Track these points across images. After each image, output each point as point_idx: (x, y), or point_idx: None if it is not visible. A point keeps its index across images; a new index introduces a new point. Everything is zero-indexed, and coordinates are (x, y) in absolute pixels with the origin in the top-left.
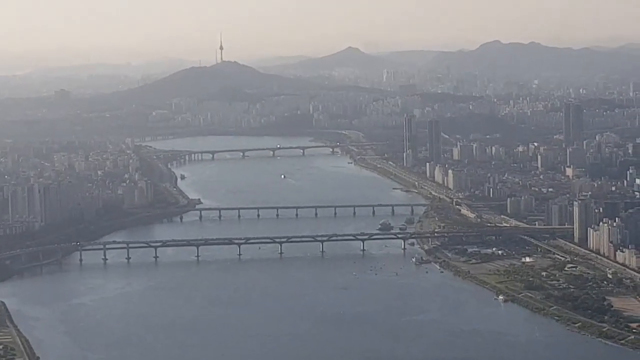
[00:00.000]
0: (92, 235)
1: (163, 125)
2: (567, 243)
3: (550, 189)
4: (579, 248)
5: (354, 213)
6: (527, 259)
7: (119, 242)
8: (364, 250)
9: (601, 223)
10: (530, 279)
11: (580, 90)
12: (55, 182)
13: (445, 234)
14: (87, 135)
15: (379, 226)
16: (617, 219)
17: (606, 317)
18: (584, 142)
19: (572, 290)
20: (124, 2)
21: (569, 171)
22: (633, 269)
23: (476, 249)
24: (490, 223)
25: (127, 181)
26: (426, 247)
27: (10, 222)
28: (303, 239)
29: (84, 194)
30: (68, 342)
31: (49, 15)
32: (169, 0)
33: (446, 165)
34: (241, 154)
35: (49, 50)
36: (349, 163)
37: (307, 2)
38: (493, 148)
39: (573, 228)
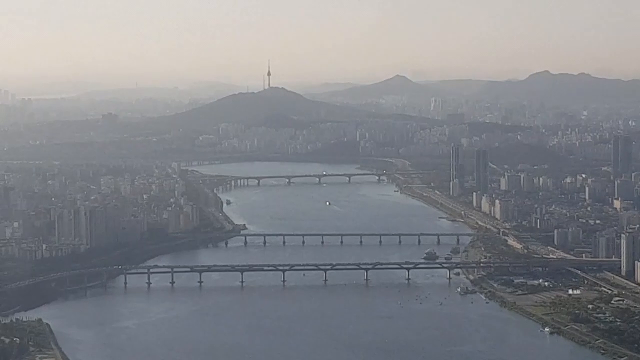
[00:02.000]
0: (137, 258)
1: (209, 150)
2: (614, 276)
3: (597, 221)
4: (626, 281)
5: (399, 241)
6: (574, 291)
7: (163, 266)
8: (409, 279)
9: None
10: (577, 311)
11: (630, 122)
12: (101, 205)
13: (491, 265)
14: (134, 158)
15: (425, 255)
16: None
17: None
18: (633, 174)
19: (618, 323)
20: (172, 27)
21: (617, 203)
22: None
23: (522, 280)
24: (537, 254)
25: (173, 205)
26: (472, 277)
27: (57, 244)
28: (348, 267)
29: (130, 217)
30: None
31: (97, 39)
32: (218, 26)
33: (493, 195)
34: (287, 180)
35: (97, 74)
36: (395, 191)
37: (355, 29)
38: (541, 179)
39: (620, 261)
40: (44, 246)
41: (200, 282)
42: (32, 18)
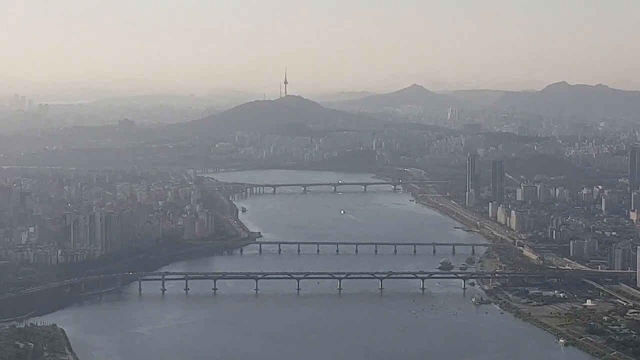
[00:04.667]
0: (152, 265)
1: (225, 158)
2: (630, 288)
3: (613, 233)
4: None
5: (414, 251)
6: (589, 303)
7: (177, 273)
8: (423, 288)
9: None
10: (592, 323)
11: None
12: (116, 211)
13: (507, 275)
14: (150, 165)
15: (439, 265)
16: None
17: None
18: None
19: (633, 335)
20: (190, 35)
21: (633, 215)
22: None
23: (537, 291)
24: (552, 265)
25: (188, 212)
26: (486, 288)
27: (72, 250)
28: (362, 276)
29: (145, 223)
30: None
31: (115, 46)
32: (235, 33)
33: (509, 206)
34: (302, 188)
35: (114, 80)
36: (410, 201)
37: (372, 38)
38: (557, 190)
39: (636, 273)
40: (60, 251)
41: (215, 289)
42: (49, 24)
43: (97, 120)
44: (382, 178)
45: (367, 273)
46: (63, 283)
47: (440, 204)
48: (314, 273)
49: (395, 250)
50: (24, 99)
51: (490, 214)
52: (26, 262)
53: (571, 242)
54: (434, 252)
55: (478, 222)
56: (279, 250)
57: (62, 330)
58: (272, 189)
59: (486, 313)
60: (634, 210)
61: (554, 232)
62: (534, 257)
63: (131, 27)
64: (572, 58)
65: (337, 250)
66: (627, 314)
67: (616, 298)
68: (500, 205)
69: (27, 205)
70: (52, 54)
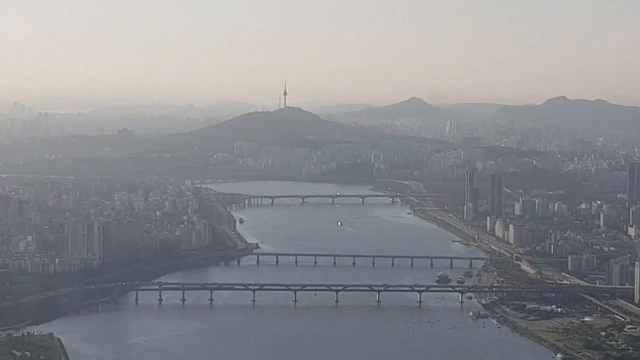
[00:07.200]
0: (149, 275)
1: (224, 168)
2: (628, 303)
3: (612, 248)
4: (639, 309)
5: (412, 264)
6: (587, 318)
7: (174, 284)
8: (420, 302)
9: None
10: (589, 338)
11: None
12: (114, 220)
13: (504, 289)
14: (148, 175)
15: (437, 278)
16: None
17: None
18: None
19: (631, 351)
20: (189, 46)
21: (632, 231)
22: None
23: (535, 306)
24: (550, 280)
25: (185, 223)
26: (484, 302)
27: (69, 259)
28: (359, 288)
29: (142, 233)
30: None
31: (115, 56)
32: (235, 45)
33: (507, 220)
34: (300, 200)
35: (113, 90)
36: (408, 213)
37: (372, 51)
38: (555, 204)
39: (634, 288)
40: (57, 260)
41: (211, 300)
42: (50, 34)
43: (96, 129)
44: (380, 190)
45: (365, 285)
46: (60, 292)
47: (438, 217)
48: (311, 285)
49: (393, 263)
50: (23, 107)
51: (488, 228)
52: (23, 271)
53: (569, 257)
54: (432, 265)
55: (476, 236)
56: (277, 262)
57: (59, 340)
58: (270, 200)
59: (483, 327)
60: (632, 226)
61: (552, 246)
62: (531, 271)
63: (131, 38)
64: (571, 73)
65: (335, 262)
66: (625, 329)
67: (614, 313)
68: (498, 219)
69: (25, 213)
70: (52, 63)
